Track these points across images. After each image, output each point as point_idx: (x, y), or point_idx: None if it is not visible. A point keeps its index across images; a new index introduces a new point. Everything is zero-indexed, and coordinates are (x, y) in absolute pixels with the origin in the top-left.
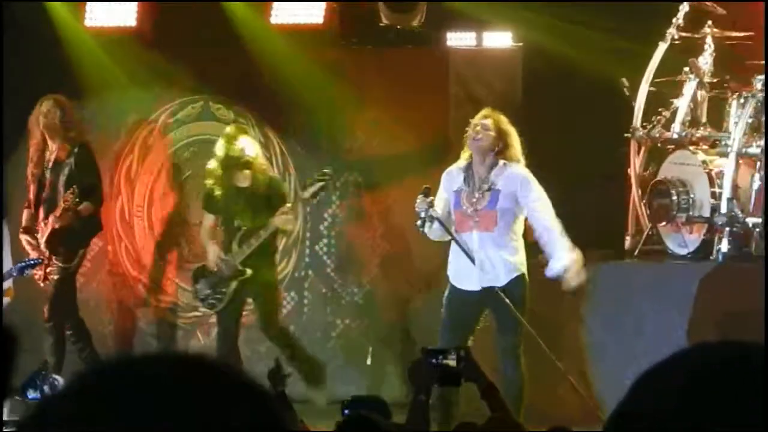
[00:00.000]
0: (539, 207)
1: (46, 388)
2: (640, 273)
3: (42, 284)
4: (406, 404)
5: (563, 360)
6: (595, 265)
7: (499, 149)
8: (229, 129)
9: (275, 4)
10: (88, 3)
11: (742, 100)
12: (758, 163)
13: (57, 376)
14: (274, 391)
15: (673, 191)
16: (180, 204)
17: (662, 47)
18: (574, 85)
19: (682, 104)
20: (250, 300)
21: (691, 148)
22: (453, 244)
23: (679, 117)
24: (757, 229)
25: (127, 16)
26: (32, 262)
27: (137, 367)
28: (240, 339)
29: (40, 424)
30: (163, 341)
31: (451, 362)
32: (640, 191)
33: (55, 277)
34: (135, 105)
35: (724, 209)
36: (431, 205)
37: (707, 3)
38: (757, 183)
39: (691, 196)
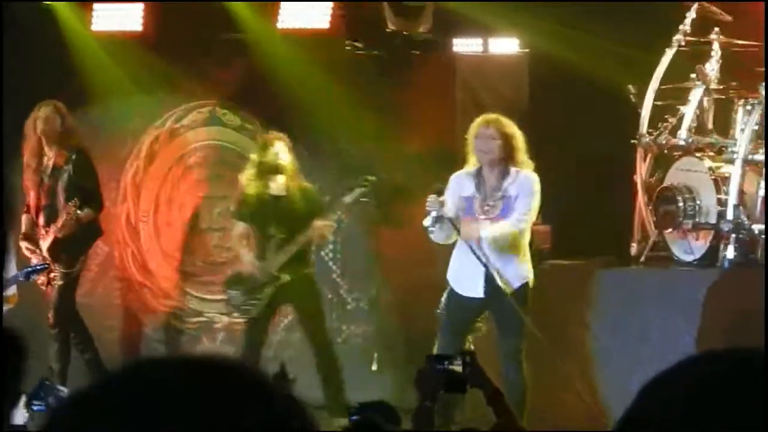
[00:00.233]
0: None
1: (51, 399)
2: (646, 279)
3: (45, 289)
4: (411, 410)
5: (568, 365)
6: (601, 272)
7: (507, 156)
8: (263, 136)
9: (281, 9)
10: (95, 8)
11: (748, 107)
12: (764, 170)
13: (62, 387)
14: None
15: (680, 198)
16: (186, 209)
17: (669, 54)
18: (580, 92)
19: (688, 111)
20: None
21: (698, 154)
22: (456, 249)
23: (686, 123)
24: (763, 236)
25: (132, 21)
26: (38, 267)
27: (142, 373)
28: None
29: None
30: (169, 346)
31: (457, 368)
32: (646, 198)
33: (59, 283)
34: (141, 110)
35: (730, 216)
36: (443, 204)
37: (714, 10)
38: (763, 190)
39: (698, 202)
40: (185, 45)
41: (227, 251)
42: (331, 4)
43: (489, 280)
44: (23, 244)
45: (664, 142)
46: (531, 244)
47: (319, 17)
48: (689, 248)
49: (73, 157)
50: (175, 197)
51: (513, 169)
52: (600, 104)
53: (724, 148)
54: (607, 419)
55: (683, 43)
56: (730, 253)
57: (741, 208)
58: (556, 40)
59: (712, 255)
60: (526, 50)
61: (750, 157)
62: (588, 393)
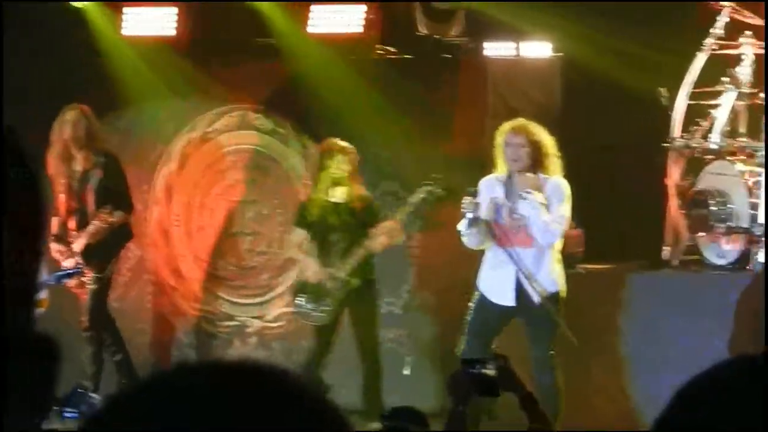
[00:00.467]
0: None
1: (83, 407)
2: (678, 283)
3: (77, 292)
4: (443, 414)
5: (600, 371)
6: (632, 276)
7: (537, 162)
8: (325, 143)
9: (313, 13)
10: (124, 12)
11: None
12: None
13: (94, 395)
14: None
15: (712, 201)
16: (218, 213)
17: (701, 57)
18: (612, 95)
19: (720, 114)
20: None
21: (730, 158)
22: (488, 257)
23: (718, 127)
24: None
25: (165, 26)
26: (70, 271)
27: (172, 379)
28: (276, 349)
29: None
30: (201, 351)
31: (490, 372)
32: (678, 202)
33: (92, 286)
34: (173, 114)
35: (762, 219)
36: (478, 207)
37: (745, 13)
38: None
39: (730, 206)
40: (217, 49)
41: (259, 255)
42: (363, 8)
43: (520, 288)
44: (54, 247)
45: (696, 145)
46: (563, 249)
47: (351, 21)
48: (721, 252)
49: (102, 160)
50: (207, 201)
51: (542, 176)
52: (632, 108)
53: (756, 152)
54: (639, 423)
55: (715, 47)
56: (761, 256)
57: None
58: (587, 44)
59: (744, 259)
60: (559, 54)
61: None
62: (620, 397)
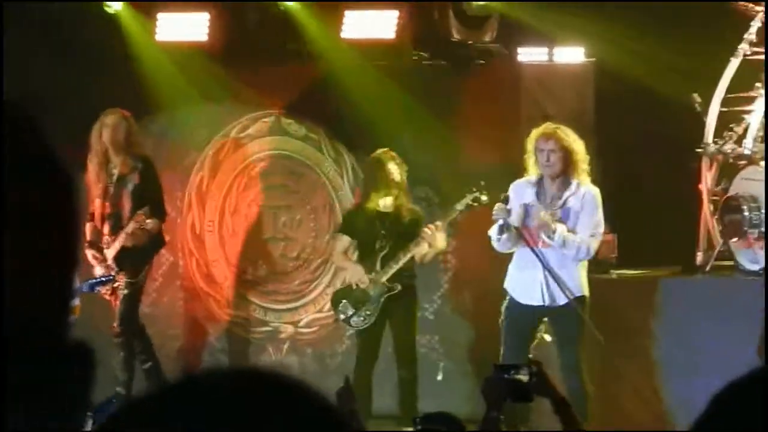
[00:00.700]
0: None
1: None
2: (711, 288)
3: (109, 298)
4: (476, 421)
5: (633, 374)
6: (666, 281)
7: (569, 167)
8: (375, 153)
9: (346, 18)
10: (158, 17)
11: None
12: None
13: None
14: (344, 410)
15: (745, 207)
16: (251, 219)
17: (734, 63)
18: (645, 100)
19: (754, 120)
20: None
21: (763, 163)
22: (516, 258)
23: (751, 133)
24: None
25: (198, 31)
26: (103, 279)
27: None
28: (308, 354)
29: None
30: (234, 356)
31: (523, 377)
32: (711, 207)
33: (124, 292)
34: (206, 120)
35: None
36: (509, 213)
37: None
38: None
39: (763, 211)
40: (250, 55)
41: (292, 261)
42: (396, 13)
43: (547, 287)
44: (89, 253)
45: (729, 151)
46: (597, 254)
47: (384, 27)
48: (754, 257)
49: (140, 166)
50: (240, 207)
51: (574, 182)
52: (665, 113)
53: None
54: (672, 426)
55: (749, 52)
56: None
57: None
58: (620, 49)
59: None
60: (592, 59)
61: None
62: (653, 400)
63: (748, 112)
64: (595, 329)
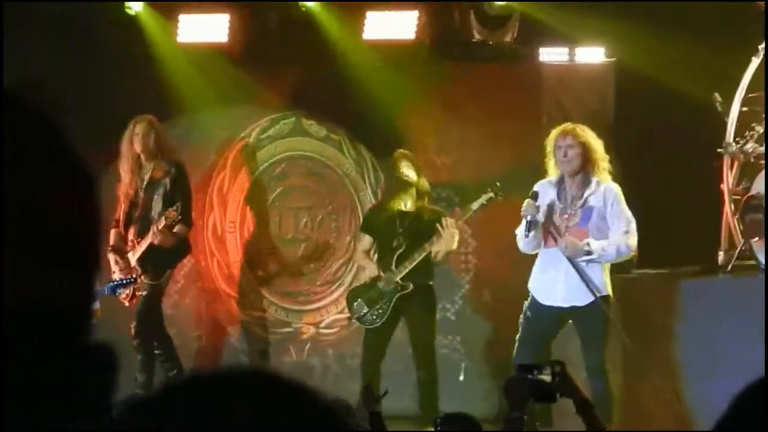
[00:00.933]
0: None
1: None
2: (733, 288)
3: (127, 304)
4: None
5: (656, 376)
6: (687, 281)
7: (588, 163)
8: (395, 153)
9: (367, 19)
10: (180, 19)
11: None
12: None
13: None
14: (367, 411)
15: (766, 206)
16: (273, 220)
17: (755, 62)
18: (666, 100)
19: None
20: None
21: None
22: (539, 258)
23: None
24: None
25: (218, 32)
26: (124, 281)
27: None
28: (330, 355)
29: None
30: (255, 357)
31: (546, 377)
32: (733, 206)
33: (144, 293)
34: (227, 122)
35: None
36: (538, 210)
37: None
38: None
39: None
40: (271, 56)
41: (313, 262)
42: (416, 14)
43: (566, 288)
44: (111, 257)
45: (750, 150)
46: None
47: (405, 28)
48: None
49: (173, 171)
50: (261, 208)
51: (594, 179)
52: (686, 113)
53: None
54: (694, 427)
55: None
56: None
57: None
58: (641, 49)
59: None
60: (612, 59)
61: None
62: (674, 401)
63: None
64: (621, 330)
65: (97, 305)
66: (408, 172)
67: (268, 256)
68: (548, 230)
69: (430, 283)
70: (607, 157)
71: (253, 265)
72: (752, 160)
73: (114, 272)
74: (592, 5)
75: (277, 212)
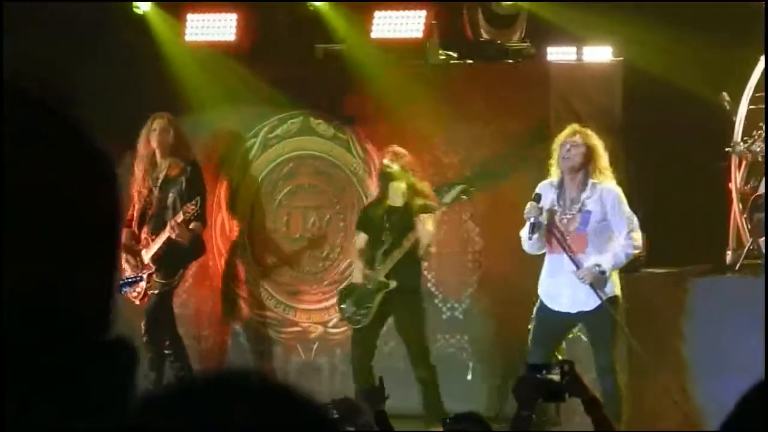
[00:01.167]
0: (619, 233)
1: None
2: (740, 287)
3: (138, 302)
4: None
5: (664, 375)
6: (695, 280)
7: (589, 164)
8: (389, 149)
9: (375, 18)
10: (188, 19)
11: None
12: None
13: None
14: (373, 411)
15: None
16: (280, 219)
17: (762, 61)
18: (674, 99)
19: None
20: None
21: None
22: (547, 261)
23: None
24: None
25: (226, 32)
26: (131, 279)
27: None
28: (337, 355)
29: None
30: (263, 357)
31: (555, 377)
32: (740, 205)
33: (155, 292)
34: (234, 121)
35: None
36: (541, 212)
37: None
38: None
39: None
40: (279, 55)
41: (321, 261)
42: (424, 13)
43: (573, 292)
44: (123, 256)
45: (758, 149)
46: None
47: (413, 27)
48: None
49: (188, 169)
50: (270, 207)
51: (591, 182)
52: (694, 112)
53: None
54: (703, 426)
55: None
56: None
57: None
58: (649, 48)
59: None
60: (620, 58)
61: None
62: (683, 402)
63: None
64: (629, 333)
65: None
66: (390, 164)
67: (275, 256)
68: (552, 233)
69: (415, 281)
70: (608, 165)
71: (261, 264)
72: (760, 159)
73: (125, 271)
74: (600, 4)
75: (285, 212)
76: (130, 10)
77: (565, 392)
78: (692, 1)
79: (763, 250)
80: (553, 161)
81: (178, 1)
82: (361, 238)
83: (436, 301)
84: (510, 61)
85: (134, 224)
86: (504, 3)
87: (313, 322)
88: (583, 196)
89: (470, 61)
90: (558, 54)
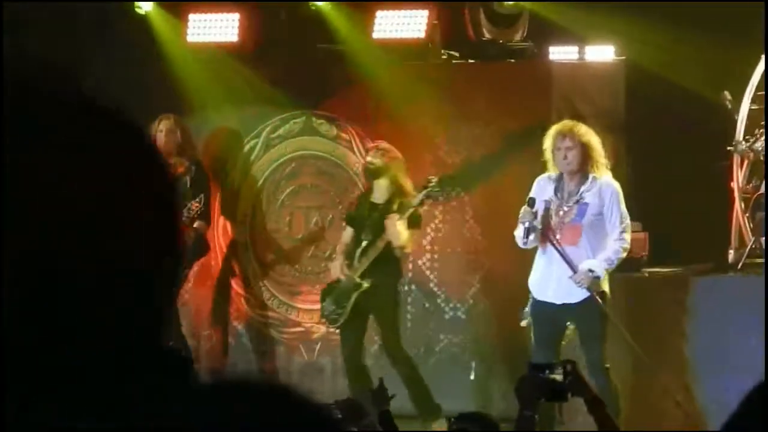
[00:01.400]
0: (612, 230)
1: None
2: (743, 286)
3: None
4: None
5: (665, 374)
6: (697, 279)
7: (587, 162)
8: (374, 144)
9: (377, 18)
10: (190, 19)
11: None
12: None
13: None
14: (378, 411)
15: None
16: (282, 219)
17: (764, 60)
18: (676, 98)
19: None
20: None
21: None
22: (538, 255)
23: None
24: None
25: (228, 32)
26: None
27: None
28: (338, 356)
29: None
30: (266, 357)
31: (558, 377)
32: (743, 204)
33: None
34: (237, 121)
35: None
36: (535, 216)
37: None
38: None
39: None
40: (281, 55)
41: (323, 261)
42: (426, 13)
43: (559, 284)
44: None
45: (760, 148)
46: (628, 252)
47: (415, 27)
48: None
49: (193, 168)
50: (272, 207)
51: (591, 176)
52: (696, 111)
53: None
54: (705, 426)
55: None
56: None
57: None
58: (651, 47)
59: None
60: (622, 58)
61: None
62: (686, 402)
63: None
64: (621, 325)
65: None
66: (373, 159)
67: (278, 256)
68: (545, 236)
69: (390, 279)
70: (604, 153)
71: (263, 264)
72: (762, 158)
73: None
74: (602, 4)
75: (288, 212)
76: (132, 11)
77: (567, 392)
78: (694, 1)
79: (765, 249)
80: (548, 159)
81: (180, 1)
82: (348, 233)
83: (439, 301)
84: (512, 60)
85: None
86: (506, 2)
87: (315, 323)
88: (582, 188)
89: (472, 61)
90: (560, 53)
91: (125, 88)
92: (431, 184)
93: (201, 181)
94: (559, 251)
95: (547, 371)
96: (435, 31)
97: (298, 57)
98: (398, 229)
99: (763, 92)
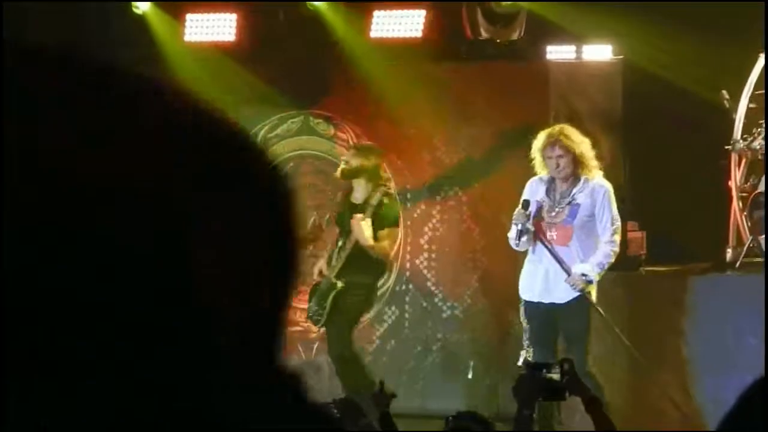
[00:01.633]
0: (603, 232)
1: None
2: (741, 285)
3: None
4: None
5: (663, 373)
6: (695, 278)
7: (578, 167)
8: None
9: (375, 18)
10: (188, 18)
11: None
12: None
13: None
14: (379, 412)
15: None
16: None
17: (762, 59)
18: (674, 97)
19: None
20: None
21: None
22: (528, 255)
23: None
24: None
25: (226, 32)
26: None
27: None
28: None
29: None
30: None
31: (555, 376)
32: (740, 203)
33: None
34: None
35: None
36: (529, 218)
37: None
38: None
39: None
40: (278, 55)
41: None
42: (423, 12)
43: (545, 282)
44: None
45: (758, 147)
46: (626, 251)
47: (412, 26)
48: None
49: None
50: None
51: (582, 177)
52: (693, 110)
53: None
54: (703, 426)
55: None
56: None
57: None
58: (649, 47)
59: None
60: (620, 57)
61: None
62: (684, 401)
63: None
64: (615, 325)
65: None
66: (349, 159)
67: None
68: (537, 237)
69: (369, 278)
70: (594, 157)
71: None
72: (760, 157)
73: None
74: (599, 3)
75: None
76: (129, 10)
77: (565, 391)
78: (692, 0)
79: (764, 248)
80: (537, 162)
81: (178, 1)
82: (335, 235)
83: (436, 300)
84: (509, 60)
85: None
86: (503, 2)
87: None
88: (574, 190)
89: (470, 60)
90: (557, 53)
91: None
92: (385, 186)
93: None
94: (550, 251)
95: (545, 370)
96: (432, 30)
97: (295, 57)
98: (362, 229)
99: (761, 91)
